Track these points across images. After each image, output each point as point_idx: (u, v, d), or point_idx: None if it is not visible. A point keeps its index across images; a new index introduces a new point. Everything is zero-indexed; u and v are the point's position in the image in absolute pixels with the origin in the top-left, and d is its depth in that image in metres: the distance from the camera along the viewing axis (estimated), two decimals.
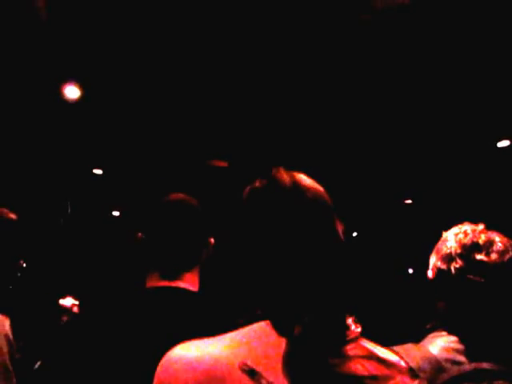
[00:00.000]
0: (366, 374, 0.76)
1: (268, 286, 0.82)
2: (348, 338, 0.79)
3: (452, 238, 1.36)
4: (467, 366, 1.12)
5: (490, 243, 1.31)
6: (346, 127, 6.65)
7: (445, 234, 1.41)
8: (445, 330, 1.35)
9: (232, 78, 5.70)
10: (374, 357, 0.79)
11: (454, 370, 1.12)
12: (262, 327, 0.80)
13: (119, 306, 1.40)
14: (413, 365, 0.90)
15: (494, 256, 1.28)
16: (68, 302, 3.99)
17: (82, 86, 5.96)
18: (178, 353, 0.77)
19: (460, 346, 1.31)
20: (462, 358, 1.29)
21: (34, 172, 7.05)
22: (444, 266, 1.33)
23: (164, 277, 1.36)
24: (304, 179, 0.89)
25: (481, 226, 1.38)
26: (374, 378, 0.76)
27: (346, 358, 0.76)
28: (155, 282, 1.37)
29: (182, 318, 1.24)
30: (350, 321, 0.82)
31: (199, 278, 1.43)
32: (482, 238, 1.32)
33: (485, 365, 1.09)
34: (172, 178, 7.33)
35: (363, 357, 0.78)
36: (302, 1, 4.57)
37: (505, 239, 1.34)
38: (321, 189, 0.89)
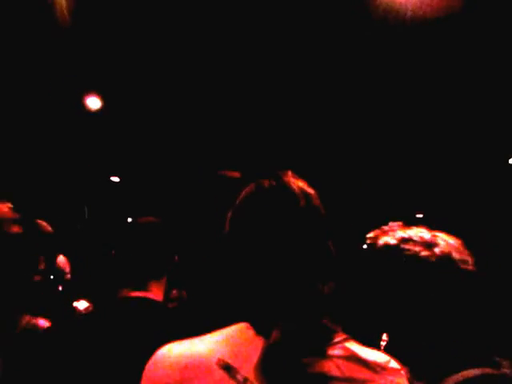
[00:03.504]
0: (338, 375, 0.78)
1: (252, 288, 0.85)
2: (332, 341, 0.81)
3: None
4: (471, 372, 1.12)
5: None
6: (359, 143, 6.66)
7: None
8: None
9: (248, 92, 5.78)
10: (354, 358, 0.80)
11: (458, 376, 1.13)
12: (242, 328, 0.84)
13: (95, 314, 1.59)
14: None
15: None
16: (82, 305, 4.08)
17: (103, 98, 6.09)
18: (164, 351, 0.84)
19: None
20: None
21: (54, 178, 7.18)
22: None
23: (133, 288, 1.52)
24: (307, 187, 0.90)
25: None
26: (347, 379, 0.78)
27: (322, 358, 0.79)
28: (125, 293, 1.53)
29: (148, 325, 1.38)
30: (333, 324, 0.84)
31: (165, 289, 1.60)
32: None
33: (488, 370, 1.11)
34: (185, 186, 7.43)
35: (343, 358, 0.80)
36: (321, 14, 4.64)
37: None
38: (318, 200, 0.90)
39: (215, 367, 0.79)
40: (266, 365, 0.78)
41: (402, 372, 0.83)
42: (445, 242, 1.26)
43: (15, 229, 1.07)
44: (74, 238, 7.71)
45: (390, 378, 0.80)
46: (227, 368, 0.79)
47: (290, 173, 0.91)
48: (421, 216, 9.05)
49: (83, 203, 7.93)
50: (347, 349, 0.81)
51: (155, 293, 1.53)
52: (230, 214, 0.91)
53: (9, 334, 1.24)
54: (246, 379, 0.78)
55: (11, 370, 1.28)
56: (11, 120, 5.95)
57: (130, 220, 9.80)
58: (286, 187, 0.88)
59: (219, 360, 0.80)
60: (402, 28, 4.61)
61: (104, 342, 1.35)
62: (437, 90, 5.57)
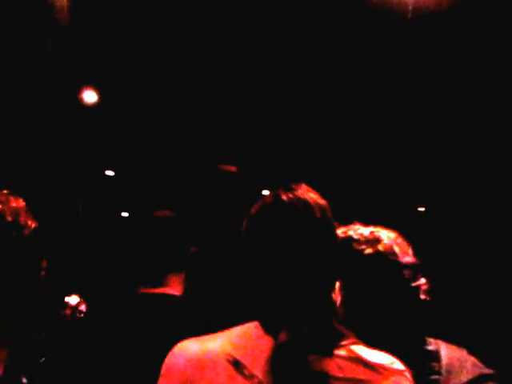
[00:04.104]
0: (340, 374, 0.81)
1: (264, 290, 0.91)
2: (339, 343, 0.85)
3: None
4: (476, 370, 1.18)
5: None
6: (359, 135, 6.61)
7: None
8: None
9: (246, 85, 5.69)
10: (357, 359, 0.84)
11: (462, 377, 1.17)
12: (252, 327, 0.90)
13: (115, 309, 1.58)
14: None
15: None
16: (73, 300, 3.97)
17: (99, 91, 6.00)
18: (182, 347, 0.92)
19: None
20: None
21: (48, 172, 7.08)
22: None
23: (152, 284, 1.52)
24: (320, 199, 0.96)
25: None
26: (348, 380, 0.81)
27: (325, 358, 0.83)
28: (144, 290, 1.54)
29: (168, 321, 1.39)
30: (342, 328, 0.89)
31: (184, 283, 1.60)
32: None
33: (486, 370, 1.18)
34: (181, 181, 7.33)
35: (346, 358, 0.83)
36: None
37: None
38: (330, 211, 0.96)
39: (225, 363, 0.85)
40: (273, 363, 0.82)
41: (407, 373, 0.86)
42: (385, 236, 1.29)
43: (33, 222, 1.09)
44: (67, 232, 7.59)
45: (393, 378, 0.83)
46: (235, 364, 0.85)
47: (304, 185, 0.97)
48: (423, 209, 9.00)
49: (77, 197, 7.82)
50: (352, 351, 0.85)
51: (174, 287, 1.55)
52: (246, 221, 0.96)
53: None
54: (252, 375, 0.83)
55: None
56: (4, 112, 5.85)
57: (125, 215, 9.69)
58: (303, 200, 0.93)
59: (228, 355, 0.86)
60: (402, 21, 4.54)
61: (125, 339, 1.38)
62: (440, 83, 5.49)
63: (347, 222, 1.32)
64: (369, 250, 1.26)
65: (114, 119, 6.48)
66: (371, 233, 1.30)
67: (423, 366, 1.20)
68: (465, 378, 1.18)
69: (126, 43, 5.10)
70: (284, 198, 0.94)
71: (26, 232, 1.06)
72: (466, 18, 4.60)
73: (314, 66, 5.38)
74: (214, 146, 6.97)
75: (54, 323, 3.64)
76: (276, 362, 0.82)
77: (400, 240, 1.32)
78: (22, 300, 1.06)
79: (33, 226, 1.08)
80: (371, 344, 0.93)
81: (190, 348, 0.91)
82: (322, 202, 0.96)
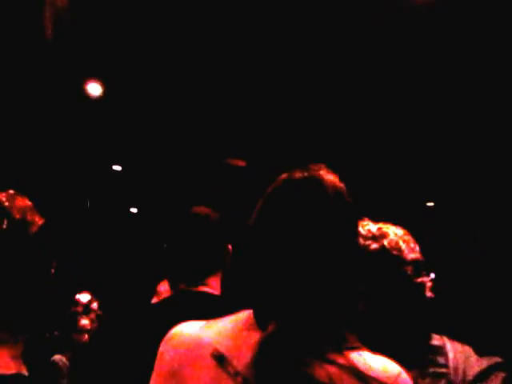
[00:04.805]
0: (326, 381, 0.75)
1: (262, 275, 0.85)
2: (336, 347, 0.79)
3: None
4: (484, 362, 1.19)
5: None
6: (369, 131, 6.57)
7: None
8: None
9: (253, 77, 5.65)
10: (350, 369, 0.77)
11: (475, 368, 1.18)
12: (244, 317, 0.87)
13: (144, 311, 1.57)
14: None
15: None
16: (85, 297, 3.97)
17: (104, 84, 5.97)
18: (172, 335, 0.91)
19: None
20: None
21: (54, 168, 7.09)
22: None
23: (189, 283, 1.51)
24: (339, 182, 0.90)
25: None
26: None
27: (315, 362, 0.77)
28: (184, 288, 1.52)
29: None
30: (345, 332, 0.81)
31: (222, 282, 1.57)
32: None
33: (493, 359, 1.20)
34: (190, 176, 7.31)
35: (338, 366, 0.77)
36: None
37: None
38: (349, 196, 0.90)
39: (209, 358, 0.82)
40: (257, 361, 0.78)
41: None
42: (392, 232, 1.30)
43: (40, 219, 1.09)
44: (75, 228, 7.61)
45: None
46: (220, 359, 0.81)
47: (322, 166, 0.91)
48: (431, 204, 8.95)
49: (84, 193, 7.83)
50: (348, 358, 0.78)
51: (213, 287, 1.52)
52: (259, 203, 0.90)
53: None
54: (236, 373, 0.79)
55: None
56: (8, 107, 5.85)
57: (134, 210, 9.70)
58: (318, 180, 0.87)
59: (214, 350, 0.82)
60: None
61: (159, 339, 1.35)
62: (452, 76, 5.44)
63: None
64: (374, 246, 1.26)
65: (121, 112, 6.46)
66: (378, 229, 1.30)
67: (429, 360, 1.22)
68: (474, 371, 1.18)
69: (134, 35, 5.06)
70: (297, 176, 0.88)
71: (34, 229, 1.06)
72: (467, 16, 4.55)
73: (324, 61, 5.34)
74: (223, 139, 6.94)
75: (65, 321, 3.66)
76: (260, 359, 0.77)
77: (407, 237, 1.31)
78: (33, 297, 1.06)
79: (40, 222, 1.08)
80: (377, 339, 0.91)
81: (179, 336, 0.89)
82: (340, 184, 0.89)
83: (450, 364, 1.21)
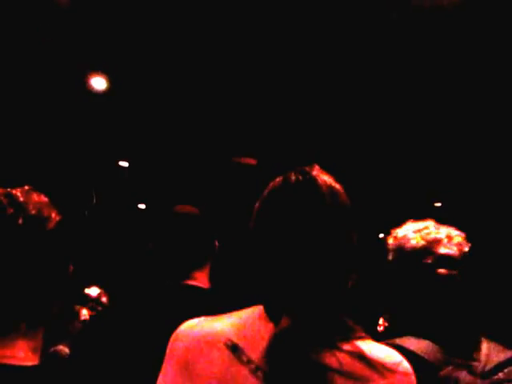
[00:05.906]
0: (337, 367, 0.79)
1: (268, 272, 0.89)
2: (344, 337, 0.83)
3: (414, 235, 1.40)
4: (508, 353, 1.26)
5: (449, 237, 1.39)
6: (376, 131, 6.54)
7: (401, 232, 1.45)
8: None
9: (263, 75, 5.63)
10: (359, 355, 0.81)
11: (500, 356, 1.25)
12: (257, 311, 0.90)
13: (139, 301, 1.60)
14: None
15: (454, 249, 1.37)
16: (94, 291, 3.99)
17: (109, 78, 5.94)
18: (182, 329, 0.93)
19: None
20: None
21: (61, 163, 7.10)
22: (412, 263, 1.38)
23: (176, 278, 1.55)
24: (334, 183, 0.93)
25: (431, 222, 1.45)
26: (344, 374, 0.79)
27: (325, 350, 0.81)
28: (168, 282, 1.57)
29: (194, 313, 1.38)
30: (350, 322, 0.86)
31: (209, 276, 1.62)
32: (443, 233, 1.40)
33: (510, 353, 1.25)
34: (198, 172, 7.29)
35: (347, 352, 0.81)
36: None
37: (460, 232, 1.44)
38: (344, 196, 0.93)
39: (223, 347, 0.84)
40: (270, 350, 0.81)
41: (411, 377, 0.83)
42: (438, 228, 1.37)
43: (57, 215, 1.09)
44: (81, 224, 7.62)
45: (393, 379, 0.81)
46: (233, 348, 0.84)
47: (317, 167, 0.94)
48: (439, 205, 8.91)
49: (90, 189, 7.83)
50: (356, 346, 0.83)
51: (200, 281, 1.57)
52: (256, 205, 0.94)
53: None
54: (249, 360, 0.82)
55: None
56: (13, 102, 5.85)
57: (142, 207, 9.70)
58: (313, 183, 0.90)
59: (227, 339, 0.85)
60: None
61: (151, 330, 1.38)
62: (460, 75, 5.41)
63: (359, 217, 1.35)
64: (445, 250, 1.34)
65: (128, 107, 6.44)
66: (447, 232, 1.39)
67: (465, 354, 1.25)
68: (499, 358, 1.24)
69: (141, 27, 5.02)
70: (292, 178, 0.92)
71: (51, 225, 1.05)
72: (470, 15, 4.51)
73: (332, 60, 5.31)
74: (234, 136, 6.90)
75: (74, 316, 3.66)
76: (274, 348, 0.81)
77: (457, 233, 1.39)
78: (51, 292, 1.06)
79: (57, 218, 1.08)
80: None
81: (191, 330, 0.91)
82: (336, 185, 0.93)
83: (482, 357, 1.25)
